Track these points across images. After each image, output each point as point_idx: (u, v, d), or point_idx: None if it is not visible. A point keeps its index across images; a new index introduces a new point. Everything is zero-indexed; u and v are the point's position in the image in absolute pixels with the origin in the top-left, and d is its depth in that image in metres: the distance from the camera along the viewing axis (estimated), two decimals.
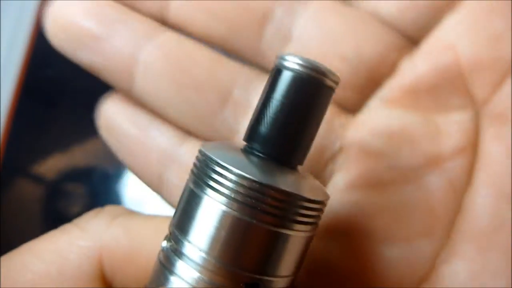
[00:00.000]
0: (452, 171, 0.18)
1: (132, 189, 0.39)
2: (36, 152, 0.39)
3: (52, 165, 0.39)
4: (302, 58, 0.15)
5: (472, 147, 0.18)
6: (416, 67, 0.19)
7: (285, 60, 0.15)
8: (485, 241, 0.18)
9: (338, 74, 0.15)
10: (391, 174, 0.19)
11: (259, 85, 0.20)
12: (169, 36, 0.20)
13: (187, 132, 0.21)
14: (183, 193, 0.15)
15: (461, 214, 0.18)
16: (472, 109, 0.19)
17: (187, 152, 0.20)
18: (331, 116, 0.20)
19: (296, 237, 0.14)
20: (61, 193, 0.39)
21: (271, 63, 0.20)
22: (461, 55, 0.18)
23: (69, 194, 0.39)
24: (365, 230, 0.18)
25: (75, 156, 0.39)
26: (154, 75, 0.20)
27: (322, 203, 0.15)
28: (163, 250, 0.15)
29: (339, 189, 0.19)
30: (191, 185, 0.15)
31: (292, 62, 0.15)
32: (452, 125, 0.19)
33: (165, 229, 0.16)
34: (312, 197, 0.14)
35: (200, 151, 0.15)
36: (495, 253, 0.17)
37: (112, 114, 0.22)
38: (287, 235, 0.14)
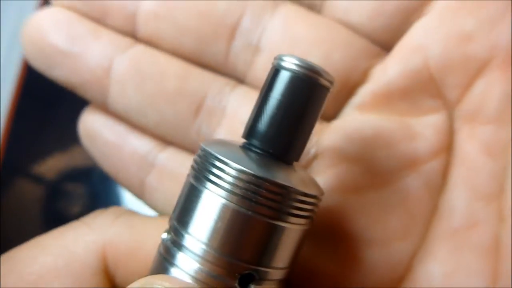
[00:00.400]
0: (428, 173, 0.18)
1: None
2: (36, 152, 0.39)
3: (52, 165, 0.39)
4: (299, 59, 0.15)
5: (447, 148, 0.19)
6: (387, 71, 0.19)
7: (282, 60, 0.15)
8: (458, 241, 0.18)
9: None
10: (367, 178, 0.19)
11: (232, 93, 0.20)
12: (140, 50, 0.20)
13: (165, 141, 0.21)
14: (183, 188, 0.16)
15: (437, 215, 0.18)
16: (445, 110, 0.19)
17: (167, 158, 0.21)
18: None
19: (292, 230, 0.15)
20: (61, 193, 0.39)
21: (242, 74, 0.20)
22: (430, 56, 0.18)
23: (69, 194, 0.39)
24: (343, 234, 0.19)
25: (75, 156, 0.39)
26: (126, 89, 0.20)
27: (317, 197, 0.16)
28: (163, 242, 0.16)
29: None
30: (192, 180, 0.15)
31: (290, 63, 0.15)
32: (426, 127, 0.19)
33: (166, 227, 0.16)
34: (307, 191, 0.15)
35: (200, 148, 0.16)
36: (468, 252, 0.18)
37: (92, 124, 0.22)
38: (283, 228, 0.15)
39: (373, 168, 0.19)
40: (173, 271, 0.15)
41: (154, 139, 0.21)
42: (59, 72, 0.21)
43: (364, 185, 0.19)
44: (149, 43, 0.21)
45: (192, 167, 0.16)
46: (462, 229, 0.18)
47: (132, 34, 0.21)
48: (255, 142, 0.15)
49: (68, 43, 0.20)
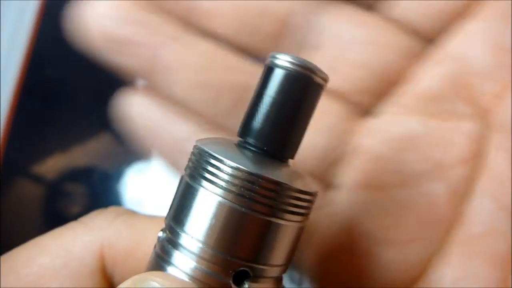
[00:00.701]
0: (454, 180, 0.18)
1: (132, 189, 0.39)
2: (36, 152, 0.39)
3: (52, 165, 0.39)
4: (292, 56, 0.15)
5: (476, 157, 0.19)
6: (427, 74, 0.19)
7: (276, 58, 0.15)
8: (472, 248, 0.18)
9: (327, 74, 0.16)
10: (394, 178, 0.19)
11: None
12: (193, 38, 0.21)
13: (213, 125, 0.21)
14: (178, 186, 0.16)
15: (458, 221, 0.18)
16: (479, 118, 0.19)
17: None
18: (339, 120, 0.20)
19: (287, 227, 0.15)
20: (61, 193, 0.39)
21: None
22: (470, 64, 0.18)
23: (69, 194, 0.39)
24: (364, 231, 0.19)
25: (75, 156, 0.39)
26: (177, 76, 0.20)
27: (312, 194, 0.16)
28: (159, 241, 0.16)
29: (343, 190, 0.19)
30: (187, 178, 0.15)
31: (283, 60, 0.15)
32: (458, 134, 0.19)
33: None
34: (302, 188, 0.15)
35: (195, 146, 0.16)
36: (480, 260, 0.18)
37: (136, 104, 0.22)
38: (278, 225, 0.15)
39: (400, 169, 0.19)
40: (169, 269, 0.15)
41: (200, 124, 0.21)
42: (115, 58, 0.21)
43: (389, 185, 0.19)
44: (201, 30, 0.21)
45: (187, 165, 0.16)
46: (478, 236, 0.18)
47: (188, 21, 0.21)
48: (250, 140, 0.15)
49: (127, 30, 0.20)
